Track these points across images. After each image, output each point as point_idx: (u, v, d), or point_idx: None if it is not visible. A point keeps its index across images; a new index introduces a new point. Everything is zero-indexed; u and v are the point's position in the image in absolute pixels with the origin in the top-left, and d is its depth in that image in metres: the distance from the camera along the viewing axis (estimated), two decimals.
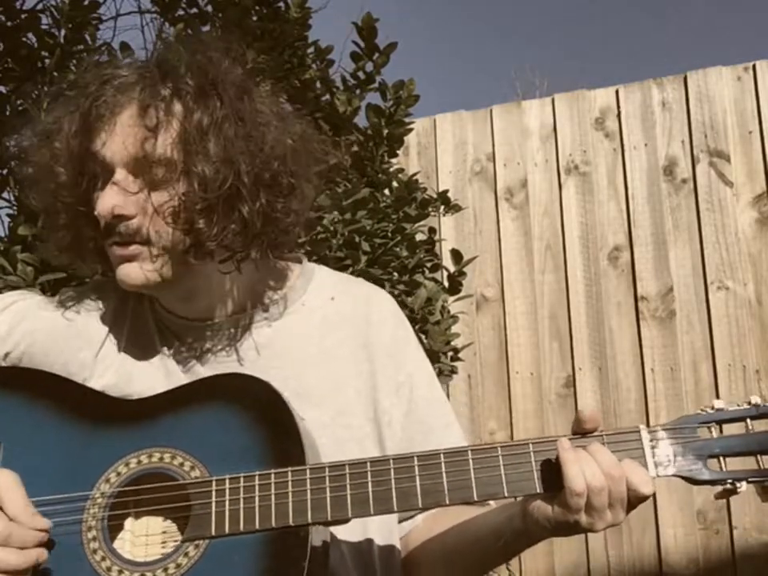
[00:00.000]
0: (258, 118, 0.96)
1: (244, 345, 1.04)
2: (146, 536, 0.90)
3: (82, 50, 2.00)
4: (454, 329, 2.37)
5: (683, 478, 0.84)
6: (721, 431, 0.86)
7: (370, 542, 1.00)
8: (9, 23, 1.97)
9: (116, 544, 0.88)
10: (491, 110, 3.27)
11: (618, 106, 3.10)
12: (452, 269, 2.37)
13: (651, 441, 0.85)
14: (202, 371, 1.03)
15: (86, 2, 1.97)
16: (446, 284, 2.41)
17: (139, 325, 1.07)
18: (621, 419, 2.89)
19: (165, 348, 1.05)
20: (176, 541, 0.88)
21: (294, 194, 0.98)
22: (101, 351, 1.05)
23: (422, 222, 2.29)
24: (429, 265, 2.34)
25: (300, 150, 1.00)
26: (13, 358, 1.05)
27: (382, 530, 1.02)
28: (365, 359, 1.06)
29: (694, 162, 2.97)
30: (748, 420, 0.85)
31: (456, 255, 2.37)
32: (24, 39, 1.97)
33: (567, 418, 2.95)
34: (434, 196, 2.44)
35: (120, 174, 0.93)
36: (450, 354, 2.33)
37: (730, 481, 0.83)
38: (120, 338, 1.06)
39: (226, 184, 0.92)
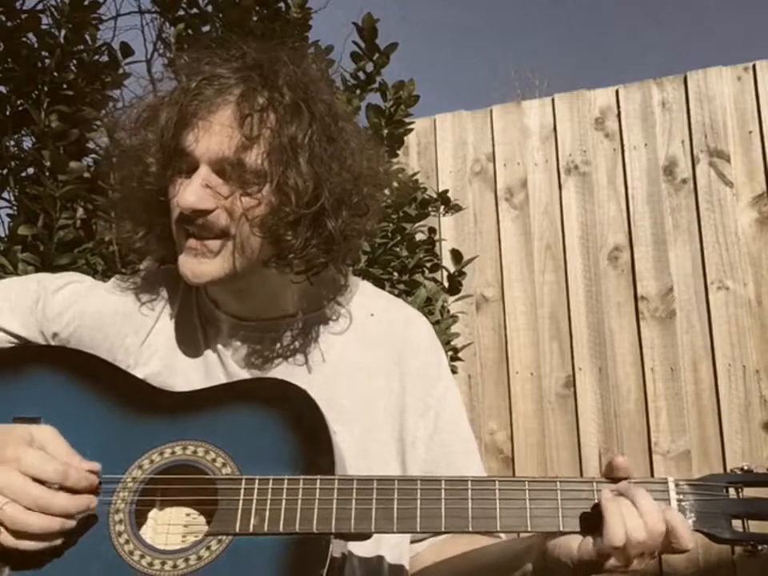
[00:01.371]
0: (344, 137, 0.99)
1: (289, 350, 1.06)
2: (168, 525, 0.92)
3: (82, 50, 2.00)
4: (454, 329, 2.37)
5: (705, 534, 0.84)
6: (741, 493, 0.86)
7: (381, 559, 1.01)
8: (9, 23, 1.97)
9: (141, 530, 0.90)
10: (491, 110, 3.27)
11: (618, 106, 3.10)
12: (452, 269, 2.37)
13: (678, 494, 0.85)
14: (238, 370, 1.04)
15: (86, 3, 1.97)
16: (446, 284, 2.41)
17: (186, 317, 1.09)
18: (621, 419, 2.89)
19: (207, 343, 1.07)
20: (197, 534, 0.89)
21: (368, 215, 1.01)
22: (147, 340, 1.07)
23: (421, 222, 2.29)
24: (429, 265, 2.34)
25: (373, 173, 1.03)
26: (61, 339, 1.07)
27: (393, 548, 1.03)
28: (396, 379, 1.07)
29: (693, 162, 2.97)
30: None
31: (456, 255, 2.37)
32: (24, 39, 1.97)
33: (567, 418, 2.95)
34: (434, 196, 2.44)
35: (204, 170, 0.94)
36: (450, 353, 2.33)
37: (751, 543, 0.84)
38: (167, 328, 1.08)
39: (319, 200, 0.94)
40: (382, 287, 2.03)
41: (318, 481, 0.87)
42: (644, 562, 0.82)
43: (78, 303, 1.08)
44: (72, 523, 0.85)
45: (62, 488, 0.85)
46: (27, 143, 2.06)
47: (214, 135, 0.93)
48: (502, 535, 1.04)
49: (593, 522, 0.83)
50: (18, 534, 0.82)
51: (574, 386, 2.96)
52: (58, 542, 0.85)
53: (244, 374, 1.04)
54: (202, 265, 0.96)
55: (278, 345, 1.05)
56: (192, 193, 0.93)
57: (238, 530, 0.86)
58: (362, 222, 1.00)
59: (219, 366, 1.05)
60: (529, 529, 0.85)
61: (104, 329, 1.07)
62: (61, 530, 0.84)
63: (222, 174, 0.94)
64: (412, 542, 1.06)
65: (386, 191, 2.27)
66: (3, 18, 1.96)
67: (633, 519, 0.80)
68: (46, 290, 1.09)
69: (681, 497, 0.85)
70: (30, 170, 1.98)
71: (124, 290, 1.11)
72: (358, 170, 0.99)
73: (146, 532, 0.91)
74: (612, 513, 0.81)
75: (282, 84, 0.96)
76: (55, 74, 1.94)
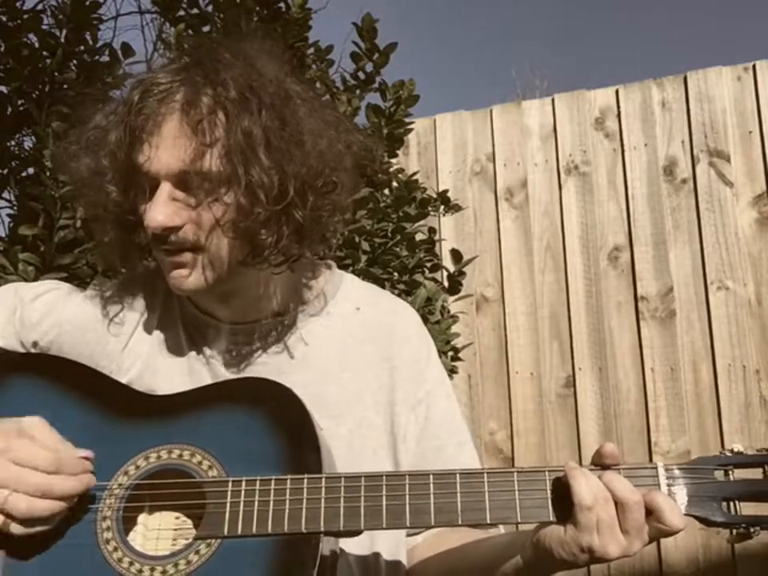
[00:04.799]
0: (297, 117, 0.96)
1: (274, 349, 1.05)
2: (157, 530, 0.91)
3: (83, 51, 2.00)
4: (454, 329, 2.37)
5: (697, 518, 0.84)
6: (732, 475, 0.86)
7: (377, 555, 1.01)
8: (10, 23, 1.97)
9: (129, 536, 0.89)
10: (491, 110, 3.28)
11: (618, 106, 3.10)
12: (452, 269, 2.37)
13: (667, 479, 0.85)
14: (224, 372, 1.04)
15: (86, 3, 1.98)
16: (446, 284, 2.41)
17: (167, 320, 1.08)
18: (621, 419, 2.89)
19: (190, 346, 1.06)
20: (187, 538, 0.89)
21: (336, 189, 0.99)
22: (128, 345, 1.06)
23: (421, 222, 2.30)
24: (429, 265, 2.34)
25: (338, 143, 1.00)
26: (42, 347, 1.06)
27: (389, 544, 1.02)
28: (386, 373, 1.06)
29: (693, 162, 2.97)
30: (766, 466, 0.85)
31: (456, 255, 2.37)
32: (25, 39, 1.97)
33: (567, 418, 2.95)
34: (434, 196, 2.45)
35: (165, 186, 0.93)
36: (450, 353, 2.33)
37: (743, 525, 0.83)
38: (148, 332, 1.07)
39: (286, 193, 0.92)
40: (382, 287, 2.03)
41: (306, 480, 0.86)
42: (633, 543, 0.81)
43: (56, 311, 1.07)
44: (73, 504, 0.85)
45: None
46: (27, 143, 2.06)
47: (167, 150, 0.91)
48: (501, 528, 1.04)
49: (566, 502, 0.83)
50: (27, 523, 0.82)
51: (574, 386, 2.96)
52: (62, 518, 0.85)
53: (230, 376, 1.03)
54: (183, 278, 0.96)
55: (266, 344, 1.05)
56: (159, 212, 0.92)
57: (226, 533, 0.85)
58: (332, 199, 0.98)
59: (205, 370, 1.04)
60: (519, 519, 0.84)
61: (85, 335, 1.06)
62: (66, 511, 0.84)
63: (183, 187, 0.93)
64: (408, 535, 1.06)
65: (387, 191, 2.28)
66: (4, 18, 1.96)
67: (595, 478, 0.82)
68: (23, 299, 1.07)
69: (670, 481, 0.85)
70: (31, 170, 1.98)
71: (104, 295, 1.09)
72: (317, 149, 0.96)
73: (135, 538, 0.90)
74: (575, 477, 0.82)
75: (224, 77, 0.93)
76: (56, 74, 1.94)
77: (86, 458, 0.87)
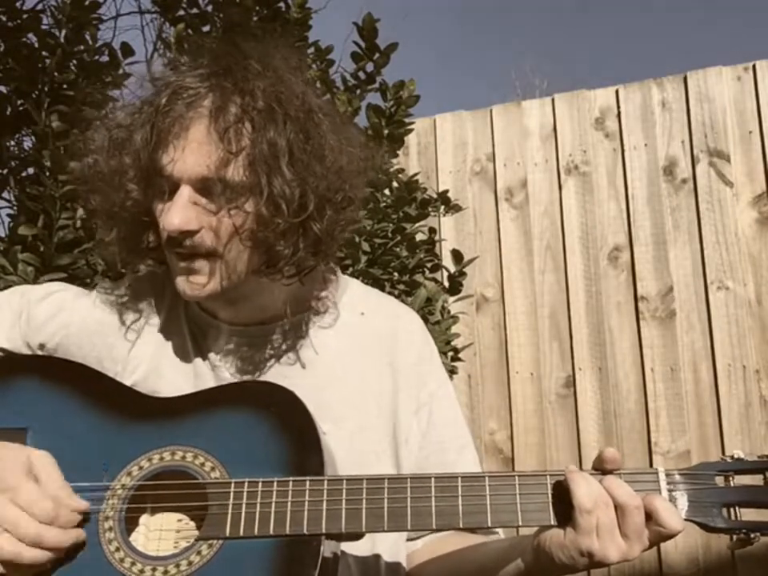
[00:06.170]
0: (320, 131, 0.96)
1: (281, 352, 1.05)
2: (160, 531, 0.92)
3: (82, 51, 2.00)
4: (454, 329, 2.37)
5: (697, 523, 0.84)
6: (732, 481, 0.86)
7: (377, 557, 1.01)
8: (10, 23, 1.97)
9: (131, 536, 0.89)
10: (491, 110, 3.27)
11: (618, 106, 3.10)
12: (452, 269, 2.37)
13: (668, 484, 0.85)
14: (229, 377, 1.04)
15: (86, 3, 1.98)
16: (446, 284, 2.41)
17: (172, 323, 1.08)
18: (621, 419, 2.89)
19: (195, 347, 1.06)
20: (189, 539, 0.89)
21: (353, 205, 1.00)
22: (134, 347, 1.06)
23: (421, 222, 2.29)
24: (429, 265, 2.34)
25: (353, 163, 1.01)
26: (48, 349, 1.06)
27: (390, 547, 1.02)
28: (389, 377, 1.07)
29: (693, 162, 2.97)
30: (766, 473, 0.85)
31: (456, 255, 2.37)
32: (25, 39, 1.97)
33: (567, 418, 2.95)
34: (434, 196, 2.44)
35: (186, 190, 0.92)
36: (450, 354, 2.33)
37: (744, 531, 0.83)
38: (154, 334, 1.07)
39: (306, 207, 0.92)
40: (382, 288, 2.03)
41: (308, 482, 0.86)
42: (633, 547, 0.81)
43: (63, 313, 1.07)
44: (61, 556, 0.85)
45: None
46: (27, 143, 2.06)
47: (192, 154, 0.91)
48: (501, 533, 1.04)
49: (567, 506, 0.83)
50: (9, 566, 0.82)
51: (574, 386, 2.96)
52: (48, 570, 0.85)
53: (233, 379, 1.03)
54: (195, 284, 0.96)
55: (270, 348, 1.05)
56: (176, 215, 0.92)
57: (228, 534, 0.86)
58: (346, 215, 0.99)
59: (210, 373, 1.04)
60: (520, 523, 0.85)
61: (91, 337, 1.06)
62: (50, 562, 0.85)
63: (204, 192, 0.93)
64: (408, 539, 1.06)
65: (387, 191, 2.27)
66: (4, 18, 1.96)
67: (596, 483, 0.83)
68: (30, 301, 1.08)
69: (671, 486, 0.85)
70: (30, 170, 1.98)
71: (110, 298, 1.09)
72: (338, 164, 0.96)
73: (138, 539, 0.90)
74: (575, 480, 0.83)
75: (252, 87, 0.93)
76: (56, 74, 1.94)
77: (82, 512, 0.87)
